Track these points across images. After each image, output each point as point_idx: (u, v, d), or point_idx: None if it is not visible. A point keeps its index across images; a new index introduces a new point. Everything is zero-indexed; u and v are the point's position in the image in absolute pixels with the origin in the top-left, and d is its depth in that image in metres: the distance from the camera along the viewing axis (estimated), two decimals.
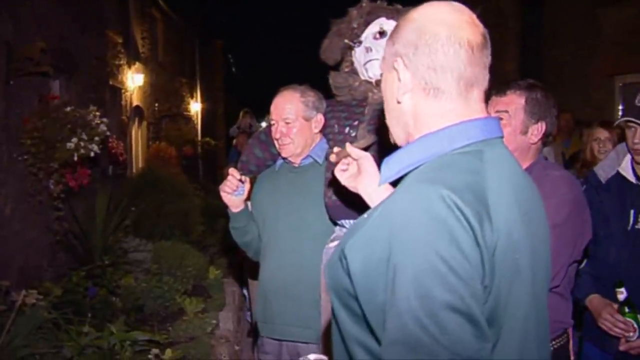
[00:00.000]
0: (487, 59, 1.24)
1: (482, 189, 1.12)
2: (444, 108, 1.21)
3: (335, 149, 1.77)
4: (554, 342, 2.13)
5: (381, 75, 1.35)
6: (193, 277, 5.82)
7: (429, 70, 1.20)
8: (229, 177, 2.55)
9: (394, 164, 1.26)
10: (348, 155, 1.69)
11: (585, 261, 2.57)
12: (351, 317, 1.18)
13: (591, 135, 4.32)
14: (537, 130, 2.18)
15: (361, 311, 1.14)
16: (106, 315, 4.49)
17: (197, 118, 15.74)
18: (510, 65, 9.51)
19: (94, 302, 4.63)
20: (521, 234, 1.16)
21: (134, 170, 9.96)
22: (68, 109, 5.47)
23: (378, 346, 1.11)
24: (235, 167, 2.67)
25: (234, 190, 2.57)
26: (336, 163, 1.74)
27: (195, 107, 15.56)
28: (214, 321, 4.89)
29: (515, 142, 2.17)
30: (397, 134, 1.31)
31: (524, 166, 2.10)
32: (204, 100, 16.24)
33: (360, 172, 1.66)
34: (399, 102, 1.25)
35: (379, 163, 1.66)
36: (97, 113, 5.67)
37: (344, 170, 1.70)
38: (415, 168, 1.20)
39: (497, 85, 2.11)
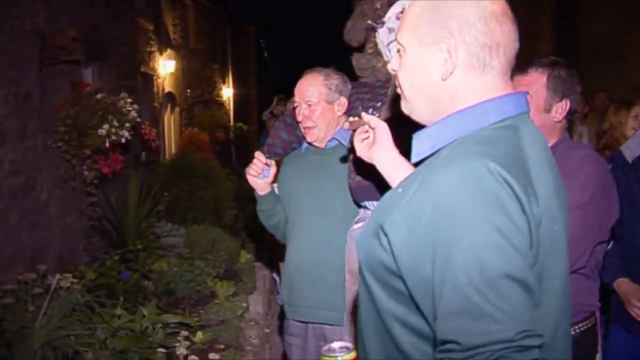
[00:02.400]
0: None
1: (524, 164, 1.13)
2: (488, 84, 1.20)
3: (350, 119, 1.74)
4: (580, 325, 2.08)
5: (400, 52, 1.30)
6: (224, 261, 5.89)
7: (484, 48, 1.18)
8: (255, 160, 2.55)
9: (428, 138, 1.24)
10: (364, 124, 1.67)
11: (612, 242, 2.51)
12: (388, 292, 1.18)
13: (626, 113, 4.10)
14: (562, 108, 2.12)
15: (404, 285, 1.13)
16: (138, 299, 4.58)
17: (229, 103, 15.82)
18: (545, 45, 9.28)
19: (126, 285, 4.72)
20: (556, 207, 1.18)
21: (167, 156, 10.07)
22: (99, 96, 5.56)
23: (417, 319, 1.13)
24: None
25: (259, 173, 2.57)
26: (352, 132, 1.72)
27: (227, 92, 15.64)
28: (245, 304, 4.93)
29: (539, 121, 2.10)
30: (423, 111, 1.27)
31: (549, 144, 2.05)
32: (236, 85, 16.30)
33: (374, 142, 1.64)
34: (443, 80, 1.21)
35: (394, 137, 1.64)
36: (129, 100, 5.75)
37: (364, 139, 1.68)
38: (450, 143, 1.19)
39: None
